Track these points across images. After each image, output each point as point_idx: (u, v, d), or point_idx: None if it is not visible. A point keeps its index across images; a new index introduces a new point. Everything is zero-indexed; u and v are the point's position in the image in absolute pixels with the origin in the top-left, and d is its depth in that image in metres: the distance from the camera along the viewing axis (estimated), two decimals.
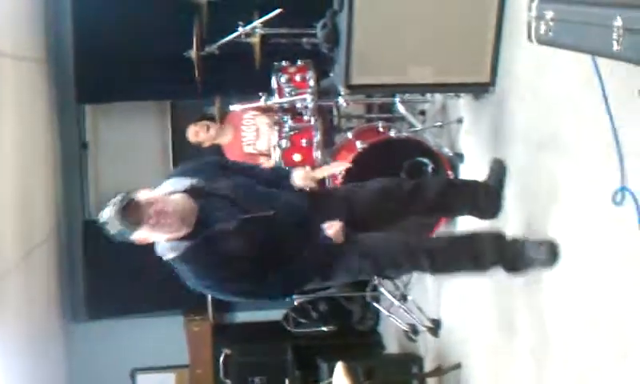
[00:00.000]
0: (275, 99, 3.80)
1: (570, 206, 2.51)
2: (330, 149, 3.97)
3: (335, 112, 4.22)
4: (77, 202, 5.79)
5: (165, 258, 2.49)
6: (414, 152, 3.66)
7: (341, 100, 3.72)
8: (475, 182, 3.11)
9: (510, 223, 2.96)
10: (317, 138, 3.75)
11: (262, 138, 4.25)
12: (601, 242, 2.29)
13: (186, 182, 2.55)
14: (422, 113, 4.29)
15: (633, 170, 2.13)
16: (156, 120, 6.02)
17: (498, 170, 3.04)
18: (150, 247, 4.69)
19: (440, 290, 4.06)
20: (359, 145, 3.62)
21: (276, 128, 3.79)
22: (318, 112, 3.77)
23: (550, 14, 1.92)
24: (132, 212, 2.32)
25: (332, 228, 2.60)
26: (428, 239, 3.06)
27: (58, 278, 5.60)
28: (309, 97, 3.71)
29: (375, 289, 4.51)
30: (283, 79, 3.84)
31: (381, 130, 3.82)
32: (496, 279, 3.17)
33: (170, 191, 2.51)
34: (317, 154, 3.78)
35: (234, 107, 4.01)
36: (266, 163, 4.20)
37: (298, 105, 3.73)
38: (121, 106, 5.74)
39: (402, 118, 4.10)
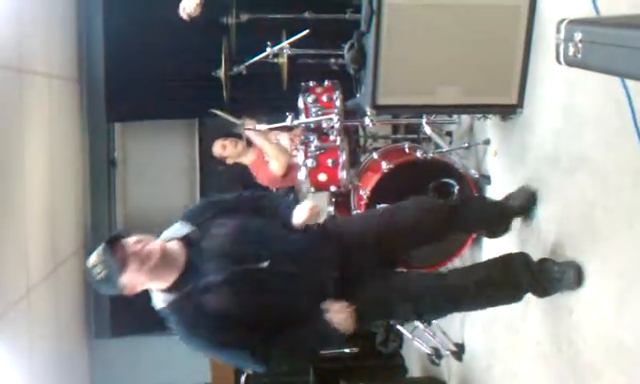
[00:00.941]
0: (302, 119, 3.82)
1: (601, 229, 2.47)
2: (356, 169, 3.97)
3: (361, 132, 4.22)
4: (104, 218, 5.86)
5: (156, 309, 2.33)
6: (440, 173, 3.64)
7: (367, 120, 3.71)
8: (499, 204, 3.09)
9: (537, 244, 2.92)
10: (342, 158, 3.74)
11: (284, 157, 4.28)
12: (635, 267, 2.25)
13: (184, 230, 2.39)
14: (449, 134, 4.27)
15: None
16: (184, 139, 6.09)
17: (527, 197, 3.00)
18: None
19: (465, 315, 4.01)
20: (385, 165, 3.61)
21: (302, 147, 3.80)
22: (344, 132, 3.77)
23: (578, 36, 1.91)
24: (118, 250, 2.18)
25: (337, 314, 2.30)
26: (462, 275, 2.77)
27: (83, 295, 5.66)
28: (335, 117, 3.71)
29: None
30: (310, 99, 3.84)
31: (407, 150, 3.82)
32: (523, 301, 3.14)
33: (168, 238, 2.37)
34: (342, 174, 3.77)
35: (261, 127, 4.04)
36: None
37: (325, 125, 3.73)
38: (149, 125, 5.82)
39: (429, 139, 4.09)
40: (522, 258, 2.73)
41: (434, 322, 3.98)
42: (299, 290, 2.36)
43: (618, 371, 2.32)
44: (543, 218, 2.94)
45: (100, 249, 2.20)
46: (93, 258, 2.20)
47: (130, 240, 2.23)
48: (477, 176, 3.67)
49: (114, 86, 5.29)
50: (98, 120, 5.60)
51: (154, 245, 2.26)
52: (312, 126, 3.78)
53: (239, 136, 4.42)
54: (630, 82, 2.20)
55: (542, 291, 2.67)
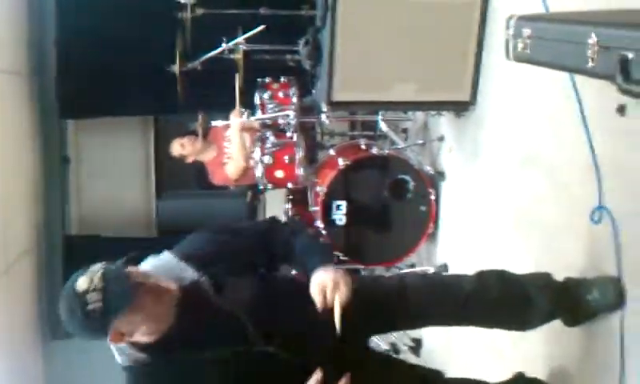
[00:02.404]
0: (258, 115, 3.79)
1: (549, 225, 2.51)
2: (313, 165, 3.97)
3: (318, 129, 4.22)
4: (57, 217, 5.73)
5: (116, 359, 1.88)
6: (396, 170, 3.66)
7: (323, 117, 3.72)
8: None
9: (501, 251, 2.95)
10: (299, 154, 3.74)
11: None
12: (578, 260, 2.29)
13: (187, 272, 1.89)
14: (404, 131, 4.30)
15: (611, 188, 2.13)
16: (139, 135, 6.00)
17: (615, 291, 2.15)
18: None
19: None
20: (341, 162, 3.61)
21: (258, 144, 3.78)
22: (301, 129, 3.77)
23: (527, 32, 1.93)
24: (129, 277, 1.73)
25: None
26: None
27: (37, 294, 5.53)
28: (291, 113, 3.71)
29: None
30: (266, 95, 3.83)
31: (363, 147, 3.82)
32: None
33: (177, 277, 1.88)
34: (299, 171, 3.77)
35: (216, 123, 3.99)
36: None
37: (281, 121, 3.72)
38: (103, 122, 5.70)
39: (385, 136, 4.11)
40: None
41: None
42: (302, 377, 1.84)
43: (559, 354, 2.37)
44: (496, 211, 2.98)
45: (102, 270, 1.72)
46: (86, 281, 1.70)
47: (133, 270, 1.80)
48: (432, 172, 3.70)
49: (66, 82, 5.17)
50: (49, 117, 5.47)
51: (169, 282, 1.82)
52: (268, 122, 3.77)
53: (195, 134, 4.37)
54: (578, 79, 2.24)
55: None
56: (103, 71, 5.10)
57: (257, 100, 3.85)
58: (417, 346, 4.00)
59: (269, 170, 3.78)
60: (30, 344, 5.42)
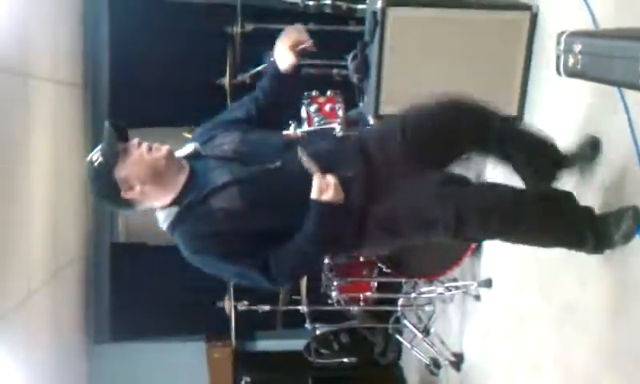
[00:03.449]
0: (304, 128, 3.85)
1: None
2: None
3: None
4: (106, 224, 5.89)
5: (163, 229, 2.23)
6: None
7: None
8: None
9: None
10: None
11: None
12: (626, 279, 2.29)
13: (190, 148, 2.29)
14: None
15: None
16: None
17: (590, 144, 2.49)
18: (174, 271, 4.74)
19: (464, 324, 4.03)
20: None
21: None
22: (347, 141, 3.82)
23: (578, 48, 1.96)
24: (121, 140, 2.18)
25: (324, 190, 2.04)
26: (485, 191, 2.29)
27: (84, 299, 5.68)
28: (337, 126, 3.76)
29: (398, 321, 4.50)
30: (312, 109, 3.88)
31: None
32: (521, 312, 3.17)
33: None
34: None
35: None
36: None
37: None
38: (153, 132, 5.84)
39: None
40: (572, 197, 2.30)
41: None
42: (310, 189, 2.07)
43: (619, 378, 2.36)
44: None
45: (105, 134, 2.14)
46: (92, 154, 2.18)
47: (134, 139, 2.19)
48: None
49: (118, 93, 5.34)
50: (102, 126, 5.61)
51: (161, 145, 2.18)
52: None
53: None
54: (627, 92, 2.25)
55: (601, 243, 2.23)
56: (154, 83, 5.25)
57: (303, 113, 3.92)
58: (458, 361, 4.00)
59: None
60: (75, 346, 5.57)
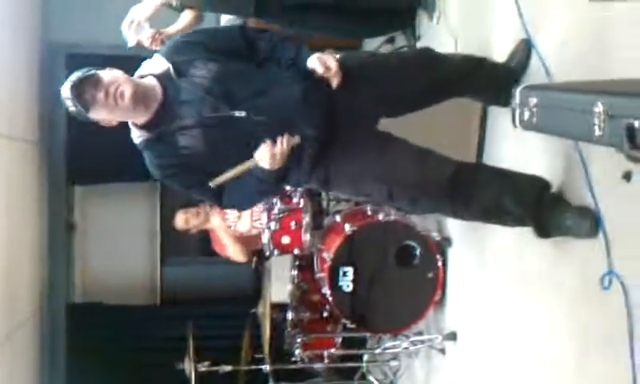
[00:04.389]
0: None
1: (558, 289, 2.51)
2: (319, 231, 3.98)
3: (324, 195, 4.25)
4: (62, 284, 5.72)
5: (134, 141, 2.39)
6: (402, 236, 3.67)
7: None
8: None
9: None
10: (306, 220, 3.77)
11: (244, 220, 4.25)
12: (589, 325, 2.28)
13: (163, 66, 2.32)
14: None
15: (619, 255, 2.14)
16: (145, 202, 6.04)
17: (524, 51, 2.74)
18: (132, 331, 4.58)
19: (430, 379, 3.97)
20: (348, 228, 3.63)
21: (264, 210, 3.81)
22: (307, 194, 3.80)
23: (533, 101, 1.98)
24: (89, 88, 2.18)
25: (261, 154, 2.22)
26: (450, 166, 2.46)
27: (38, 364, 5.46)
28: None
29: (364, 377, 4.43)
30: None
31: (369, 213, 3.85)
32: (487, 365, 3.13)
33: (144, 74, 2.34)
34: (306, 237, 3.78)
35: None
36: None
37: (288, 187, 3.76)
38: (110, 188, 5.76)
39: None
40: (534, 177, 2.49)
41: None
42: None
43: None
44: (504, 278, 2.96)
45: (70, 83, 2.18)
46: (65, 90, 2.20)
47: (105, 76, 2.21)
48: (439, 238, 3.71)
49: (75, 149, 5.25)
50: (57, 183, 5.53)
51: (128, 85, 2.21)
52: None
53: (198, 202, 4.39)
54: (584, 146, 2.28)
55: (545, 230, 2.42)
56: (112, 138, 5.14)
57: None
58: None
59: (275, 235, 3.80)
60: None
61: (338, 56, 2.34)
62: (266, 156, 2.22)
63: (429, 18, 3.93)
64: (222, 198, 2.41)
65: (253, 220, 4.22)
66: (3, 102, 4.53)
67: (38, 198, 5.44)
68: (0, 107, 4.45)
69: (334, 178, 2.45)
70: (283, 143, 2.22)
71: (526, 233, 2.58)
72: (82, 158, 5.23)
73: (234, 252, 4.23)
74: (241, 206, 2.93)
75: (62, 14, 5.24)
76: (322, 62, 2.28)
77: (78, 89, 2.18)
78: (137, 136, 2.37)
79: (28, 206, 5.21)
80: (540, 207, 2.41)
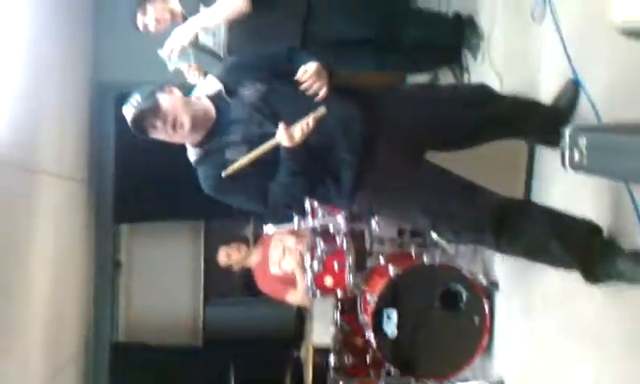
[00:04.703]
0: (309, 221, 3.81)
1: (607, 340, 2.40)
2: (362, 273, 3.93)
3: (367, 235, 4.20)
4: (106, 322, 5.78)
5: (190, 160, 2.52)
6: (448, 279, 3.59)
7: (373, 223, 3.72)
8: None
9: None
10: (349, 261, 3.72)
11: (288, 259, 4.24)
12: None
13: (217, 86, 2.47)
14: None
15: None
16: (189, 241, 6.10)
17: (572, 91, 2.69)
18: (175, 372, 4.56)
19: None
20: (392, 270, 3.57)
21: (307, 250, 3.79)
22: (351, 235, 3.76)
23: (583, 142, 1.92)
24: (148, 116, 2.34)
25: (280, 134, 2.30)
26: (498, 201, 2.43)
27: None
28: (341, 219, 3.72)
29: None
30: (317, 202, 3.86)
31: (414, 255, 3.78)
32: None
33: (200, 95, 2.49)
34: (349, 278, 3.73)
35: (268, 228, 4.03)
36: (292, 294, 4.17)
37: (331, 227, 3.73)
38: (156, 226, 5.83)
39: (435, 243, 4.05)
40: (586, 221, 2.39)
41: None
42: (313, 165, 2.35)
43: None
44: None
45: (131, 111, 2.35)
46: (127, 113, 2.37)
47: (164, 103, 2.35)
48: (485, 282, 3.62)
49: (122, 188, 5.35)
50: (105, 221, 5.63)
51: (186, 115, 2.35)
52: (319, 228, 3.78)
53: (245, 240, 4.41)
54: (635, 188, 2.20)
55: (595, 275, 2.33)
56: (158, 176, 5.26)
57: (307, 206, 3.89)
58: None
59: (318, 276, 3.76)
60: None
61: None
62: (284, 135, 2.28)
63: (473, 58, 3.90)
64: (266, 202, 2.46)
65: (296, 259, 4.21)
66: (53, 140, 4.65)
67: (86, 237, 5.53)
68: (49, 146, 4.57)
69: (376, 205, 2.51)
70: (303, 121, 2.28)
71: (576, 278, 2.49)
72: (128, 196, 5.32)
73: (298, 295, 4.19)
74: (281, 203, 2.75)
75: (112, 55, 5.39)
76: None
77: (138, 118, 2.35)
78: (192, 154, 2.50)
79: (75, 244, 5.30)
80: (590, 253, 2.32)
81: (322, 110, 2.30)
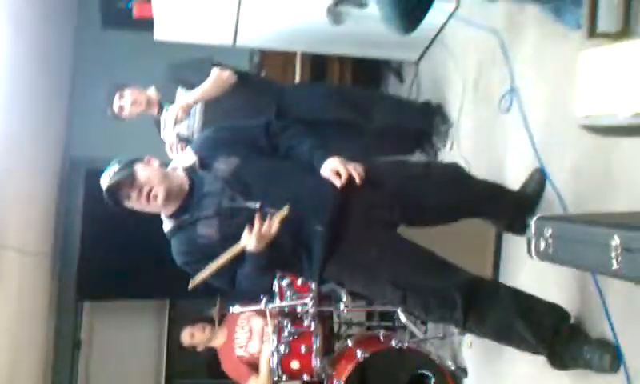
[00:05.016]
0: (276, 302, 3.77)
1: None
2: (330, 356, 3.86)
3: (336, 318, 4.16)
4: None
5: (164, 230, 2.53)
6: (416, 364, 3.55)
7: (341, 306, 3.69)
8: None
9: None
10: (316, 344, 3.66)
11: (254, 340, 4.16)
12: None
13: (193, 159, 2.50)
14: (424, 322, 4.22)
15: None
16: (153, 320, 5.96)
17: (538, 180, 2.80)
18: None
19: None
20: (360, 353, 3.52)
21: (274, 332, 3.72)
22: (319, 318, 3.72)
23: (549, 232, 1.96)
24: (124, 186, 2.37)
25: (245, 238, 2.29)
26: (467, 279, 2.44)
27: None
28: (310, 301, 3.69)
29: None
30: (285, 282, 3.83)
31: (382, 339, 3.75)
32: None
33: (175, 166, 2.53)
34: (316, 362, 3.67)
35: (234, 309, 3.97)
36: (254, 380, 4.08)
37: (299, 309, 3.69)
38: (119, 305, 5.70)
39: (404, 327, 4.03)
40: (553, 304, 2.43)
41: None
42: (282, 236, 2.31)
43: None
44: None
45: (108, 180, 2.39)
46: (103, 182, 2.41)
47: (140, 176, 2.38)
48: (453, 368, 3.59)
49: (86, 264, 5.25)
50: (67, 298, 5.50)
51: (160, 187, 2.38)
52: (286, 310, 3.74)
53: (210, 320, 4.32)
54: (600, 276, 2.23)
55: (563, 363, 2.37)
56: (124, 254, 5.18)
57: (275, 287, 3.85)
58: None
59: (284, 359, 3.69)
60: None
61: (355, 165, 2.38)
62: (250, 239, 2.26)
63: (442, 144, 3.99)
64: (234, 284, 2.45)
65: (263, 341, 4.13)
66: (19, 215, 4.58)
67: (47, 313, 5.38)
68: (15, 220, 4.50)
69: (347, 276, 2.52)
70: (267, 224, 2.25)
71: (544, 364, 2.48)
72: (92, 273, 5.22)
73: (261, 380, 4.08)
74: (251, 291, 2.94)
75: (84, 131, 5.40)
76: (334, 172, 2.36)
77: (113, 188, 2.39)
78: (166, 225, 2.52)
79: (36, 320, 5.15)
80: (557, 338, 2.34)
81: (285, 211, 2.28)
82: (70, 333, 5.68)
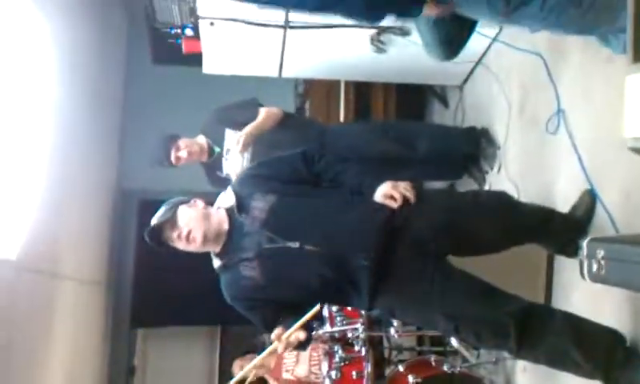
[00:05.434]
0: (326, 328, 3.80)
1: None
2: (381, 381, 3.87)
3: (386, 343, 4.16)
4: None
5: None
6: None
7: (392, 331, 3.70)
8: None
9: None
10: (367, 369, 3.67)
11: (302, 365, 4.19)
12: None
13: (232, 199, 2.52)
14: (476, 347, 4.19)
15: None
16: (205, 346, 6.05)
17: (589, 201, 2.78)
18: None
19: None
20: (411, 379, 3.51)
21: (325, 357, 3.75)
22: (369, 343, 3.74)
23: (601, 253, 1.96)
24: (165, 229, 2.45)
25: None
26: (520, 306, 2.39)
27: None
28: (360, 326, 3.71)
29: None
30: (335, 308, 3.86)
31: (433, 363, 3.73)
32: None
33: (219, 206, 2.56)
34: None
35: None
36: None
37: (349, 334, 3.71)
38: (171, 331, 5.81)
39: (455, 352, 4.01)
40: (607, 328, 2.39)
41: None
42: (327, 273, 2.37)
43: None
44: None
45: (151, 225, 2.48)
46: (152, 222, 2.50)
47: (181, 218, 2.46)
48: None
49: (140, 293, 5.38)
50: (121, 325, 5.63)
51: (198, 230, 2.44)
52: (337, 335, 3.77)
53: (258, 347, 4.37)
54: None
55: None
56: (176, 282, 5.30)
57: (325, 312, 3.88)
58: None
59: None
60: None
61: (405, 185, 2.44)
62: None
63: (489, 168, 3.99)
64: (273, 328, 2.43)
65: (311, 365, 4.15)
66: (74, 246, 4.73)
67: (102, 341, 5.52)
68: (70, 251, 4.65)
69: (398, 309, 2.52)
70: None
71: None
72: (145, 301, 5.34)
73: None
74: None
75: (136, 163, 5.55)
76: (387, 196, 2.40)
77: (156, 230, 2.46)
78: (215, 262, 2.57)
79: (91, 348, 5.28)
80: (612, 362, 2.30)
81: (315, 309, 2.29)
82: (124, 359, 5.80)
